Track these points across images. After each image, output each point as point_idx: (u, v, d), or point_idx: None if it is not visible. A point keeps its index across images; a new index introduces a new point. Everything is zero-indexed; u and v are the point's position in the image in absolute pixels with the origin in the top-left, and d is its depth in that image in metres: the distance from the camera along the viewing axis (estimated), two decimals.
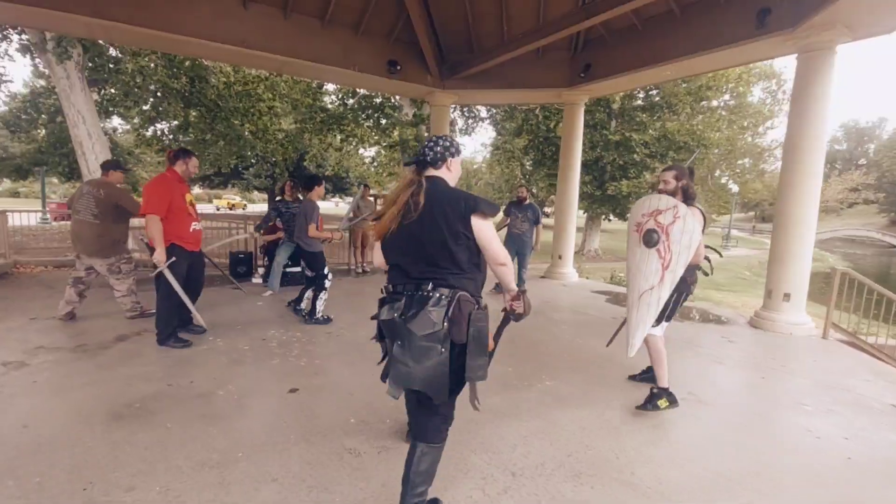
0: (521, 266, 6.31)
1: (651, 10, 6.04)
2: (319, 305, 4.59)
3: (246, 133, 14.65)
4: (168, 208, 3.56)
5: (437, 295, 1.66)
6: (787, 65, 62.37)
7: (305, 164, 19.69)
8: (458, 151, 1.86)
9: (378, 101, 14.43)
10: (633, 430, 2.70)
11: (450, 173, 1.82)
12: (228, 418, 2.63)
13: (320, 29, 6.74)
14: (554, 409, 2.93)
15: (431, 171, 1.78)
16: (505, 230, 6.43)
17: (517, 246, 6.28)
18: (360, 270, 7.86)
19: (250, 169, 24.42)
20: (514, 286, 1.86)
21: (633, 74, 6.84)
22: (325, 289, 4.57)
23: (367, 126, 15.75)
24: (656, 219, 2.74)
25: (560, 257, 8.07)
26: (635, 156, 14.85)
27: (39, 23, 6.30)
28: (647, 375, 3.29)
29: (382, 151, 15.58)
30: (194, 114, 13.82)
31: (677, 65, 6.29)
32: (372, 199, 8.39)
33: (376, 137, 15.35)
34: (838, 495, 2.19)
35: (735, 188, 24.24)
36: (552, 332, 4.75)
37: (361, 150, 19.17)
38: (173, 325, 3.74)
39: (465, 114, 16.82)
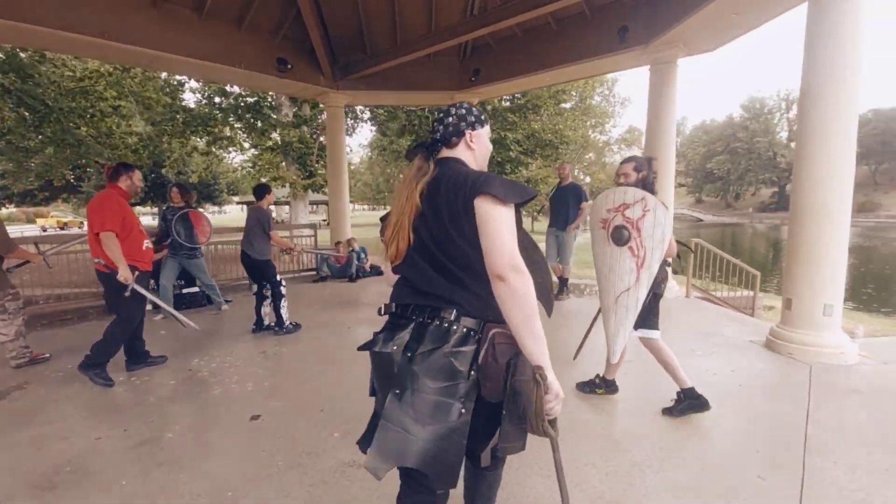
0: None
1: (531, 22, 6.70)
2: (284, 314, 4.48)
3: (86, 137, 12.37)
4: (121, 225, 3.24)
5: (463, 329, 1.20)
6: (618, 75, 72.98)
7: (164, 171, 17.29)
8: (478, 121, 1.38)
9: (251, 100, 13.35)
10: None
11: (470, 151, 1.36)
12: (194, 460, 2.34)
13: (198, 21, 6.08)
14: None
15: (445, 153, 1.35)
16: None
17: None
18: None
19: (91, 181, 20.54)
20: (532, 342, 1.13)
21: (517, 80, 7.54)
22: (284, 295, 4.47)
23: (239, 128, 14.48)
24: (624, 213, 2.52)
25: None
26: (511, 153, 16.14)
27: None
28: (600, 385, 3.05)
29: (263, 155, 14.45)
30: (12, 116, 11.27)
31: (554, 72, 7.11)
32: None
33: (252, 140, 14.17)
34: (743, 411, 2.83)
35: (588, 179, 27.76)
36: None
37: (234, 154, 17.53)
38: (112, 355, 3.33)
39: (348, 114, 16.43)
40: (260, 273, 4.46)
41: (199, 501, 2.00)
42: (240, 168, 16.91)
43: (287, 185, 12.74)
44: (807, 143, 3.76)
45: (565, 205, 5.72)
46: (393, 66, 7.14)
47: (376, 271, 8.12)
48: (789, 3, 4.49)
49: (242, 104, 13.60)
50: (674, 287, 6.20)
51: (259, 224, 4.35)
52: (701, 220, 49.99)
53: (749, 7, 4.68)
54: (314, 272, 8.31)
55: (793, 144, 51.61)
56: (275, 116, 13.52)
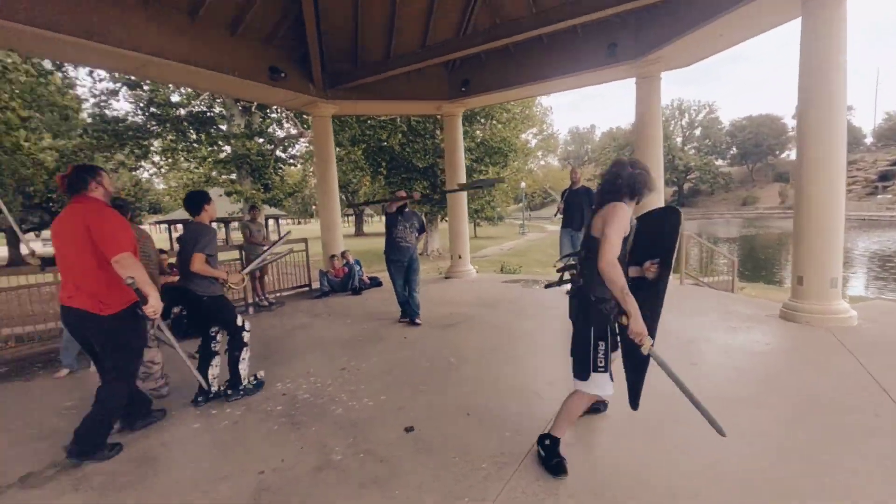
0: (410, 289, 5.30)
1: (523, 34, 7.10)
2: (243, 369, 3.35)
3: None
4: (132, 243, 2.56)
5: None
6: None
7: None
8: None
9: (196, 110, 12.38)
10: None
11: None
12: (392, 476, 2.27)
13: (189, 26, 5.65)
14: None
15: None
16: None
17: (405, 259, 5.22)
18: (264, 303, 6.85)
19: None
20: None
21: (506, 91, 7.91)
22: (246, 344, 3.38)
23: (171, 140, 13.25)
24: None
25: (460, 257, 8.66)
26: (464, 161, 16.57)
27: None
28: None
29: (203, 170, 13.39)
30: None
31: (543, 84, 7.59)
32: (263, 221, 7.37)
33: (201, 152, 13.10)
34: (786, 373, 3.34)
35: (523, 184, 29.21)
36: (542, 322, 5.28)
37: (163, 169, 15.97)
38: (113, 425, 2.68)
39: (297, 122, 15.81)
40: (212, 316, 3.29)
41: None
42: (181, 182, 15.43)
43: (243, 199, 11.96)
44: (806, 148, 4.48)
45: (579, 206, 6.12)
46: (382, 76, 7.16)
47: (375, 282, 7.99)
48: (768, 25, 5.30)
49: (183, 115, 12.57)
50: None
51: (192, 244, 3.12)
52: None
53: (732, 29, 5.44)
54: (305, 287, 7.97)
55: (686, 148, 58.45)
56: (224, 128, 12.66)
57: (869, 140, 50.02)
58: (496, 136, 17.76)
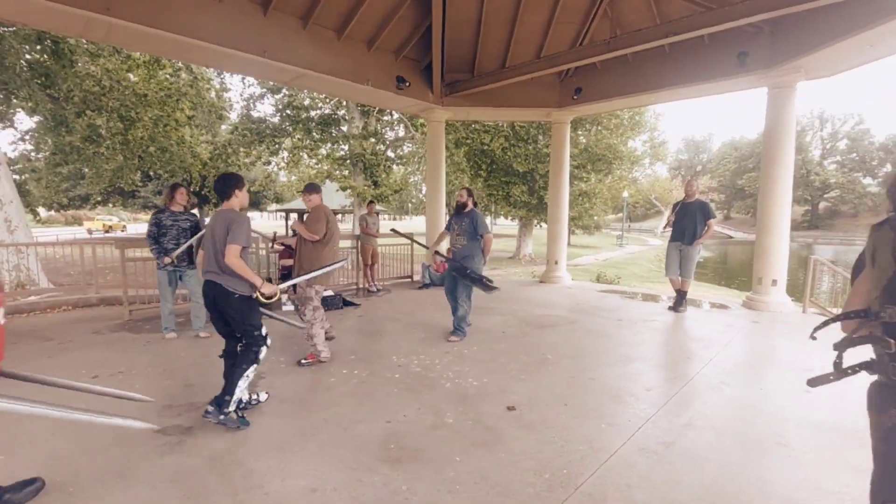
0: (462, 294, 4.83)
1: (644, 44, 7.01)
2: (240, 388, 2.78)
3: (170, 145, 12.98)
4: None
5: None
6: None
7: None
8: None
9: (324, 111, 13.93)
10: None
11: None
12: (496, 441, 2.63)
13: (336, 42, 6.54)
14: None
15: None
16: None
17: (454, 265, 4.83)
18: (372, 289, 7.63)
19: (148, 185, 21.35)
20: None
21: (621, 99, 7.84)
22: (258, 361, 2.89)
23: (299, 139, 15.00)
24: None
25: (556, 262, 8.76)
26: (568, 168, 16.41)
27: (36, 19, 5.10)
28: None
29: (324, 166, 14.98)
30: (99, 122, 11.80)
31: (663, 93, 7.39)
32: (377, 214, 8.20)
33: (326, 151, 14.71)
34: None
35: (626, 193, 27.90)
36: (645, 335, 5.32)
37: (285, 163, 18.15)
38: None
39: (409, 125, 16.95)
40: (238, 318, 2.87)
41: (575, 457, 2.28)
42: (301, 176, 17.42)
43: (356, 194, 13.17)
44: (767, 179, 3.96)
45: (692, 220, 5.93)
46: (495, 85, 7.54)
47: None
48: None
49: (313, 117, 14.19)
50: (787, 302, 6.32)
51: (224, 232, 2.77)
52: (731, 237, 49.45)
53: (886, 39, 4.92)
54: (408, 279, 8.65)
55: (826, 162, 51.10)
56: (345, 128, 14.05)
57: None
58: (601, 142, 17.32)
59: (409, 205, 44.27)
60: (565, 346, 4.63)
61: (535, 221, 19.83)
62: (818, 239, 43.03)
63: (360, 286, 7.70)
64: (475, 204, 4.94)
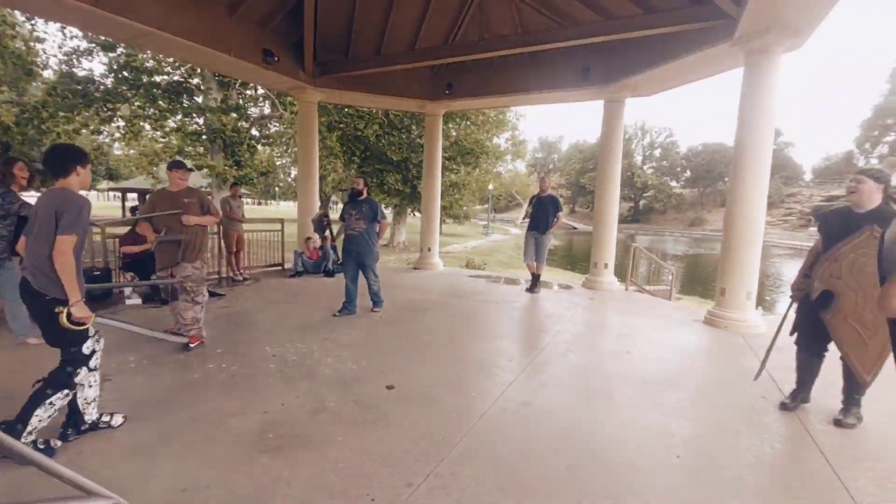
0: (366, 278, 5.34)
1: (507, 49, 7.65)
2: (39, 419, 2.21)
3: None
4: None
5: None
6: None
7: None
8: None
9: (173, 77, 12.15)
10: None
11: None
12: (378, 421, 2.74)
13: (191, 3, 5.81)
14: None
15: None
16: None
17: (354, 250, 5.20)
18: (238, 278, 7.06)
19: None
20: None
21: (488, 99, 8.47)
22: (71, 385, 2.31)
23: (150, 108, 12.91)
24: None
25: (429, 249, 9.14)
26: (441, 159, 17.04)
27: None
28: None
29: (173, 140, 13.14)
30: None
31: (523, 97, 8.19)
32: (241, 197, 7.55)
33: (175, 123, 12.86)
34: (700, 365, 4.07)
35: (491, 186, 30.01)
36: (508, 313, 5.85)
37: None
38: None
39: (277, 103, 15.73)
40: (50, 327, 2.27)
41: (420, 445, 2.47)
42: (142, 151, 14.93)
43: (215, 174, 11.90)
44: (736, 179, 5.27)
45: (545, 212, 6.74)
46: (370, 71, 7.55)
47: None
48: (717, 70, 6.11)
49: (158, 83, 12.29)
50: (615, 282, 7.65)
51: (50, 220, 2.21)
52: (575, 228, 56.66)
53: (692, 69, 6.22)
54: (279, 267, 8.21)
55: (645, 167, 61.45)
56: (199, 100, 12.51)
57: (808, 176, 54.53)
58: (469, 136, 18.33)
59: (277, 189, 41.22)
60: (440, 327, 4.94)
61: (409, 210, 20.24)
62: (638, 230, 51.85)
63: (225, 275, 7.07)
64: (368, 192, 5.38)
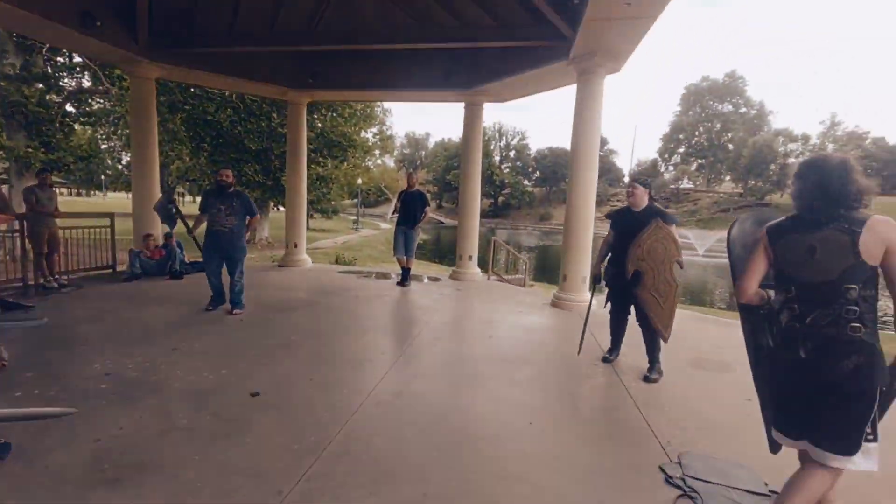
0: (230, 276, 5.03)
1: (372, 45, 7.62)
2: None
3: None
4: None
5: None
6: None
7: None
8: None
9: None
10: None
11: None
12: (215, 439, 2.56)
13: None
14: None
15: None
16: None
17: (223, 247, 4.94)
18: (53, 285, 5.80)
19: None
20: None
21: (353, 92, 8.35)
22: None
23: None
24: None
25: (296, 245, 8.67)
26: (306, 151, 16.16)
27: None
28: None
29: None
30: None
31: (387, 93, 8.27)
32: (52, 187, 6.14)
33: None
34: (548, 341, 4.72)
35: (360, 180, 29.56)
36: (371, 312, 5.82)
37: None
38: None
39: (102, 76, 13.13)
40: None
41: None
42: None
43: (14, 158, 9.52)
44: (573, 180, 6.11)
45: (413, 207, 6.93)
46: (223, 50, 6.88)
47: (198, 266, 7.44)
48: (560, 83, 6.95)
49: None
50: (478, 273, 8.25)
51: None
52: (442, 223, 59.10)
53: (538, 81, 6.98)
54: (109, 270, 6.98)
55: (503, 166, 66.77)
56: None
57: (627, 179, 65.34)
58: (336, 129, 17.77)
59: (104, 177, 34.71)
60: (309, 326, 4.76)
61: (272, 204, 18.86)
62: (498, 225, 56.30)
63: (33, 282, 5.74)
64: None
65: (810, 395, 1.69)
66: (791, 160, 46.08)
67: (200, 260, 7.69)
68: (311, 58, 8.13)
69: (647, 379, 3.62)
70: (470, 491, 2.16)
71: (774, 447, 1.99)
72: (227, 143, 15.41)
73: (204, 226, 5.05)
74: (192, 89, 14.28)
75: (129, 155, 17.84)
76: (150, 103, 7.20)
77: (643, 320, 3.66)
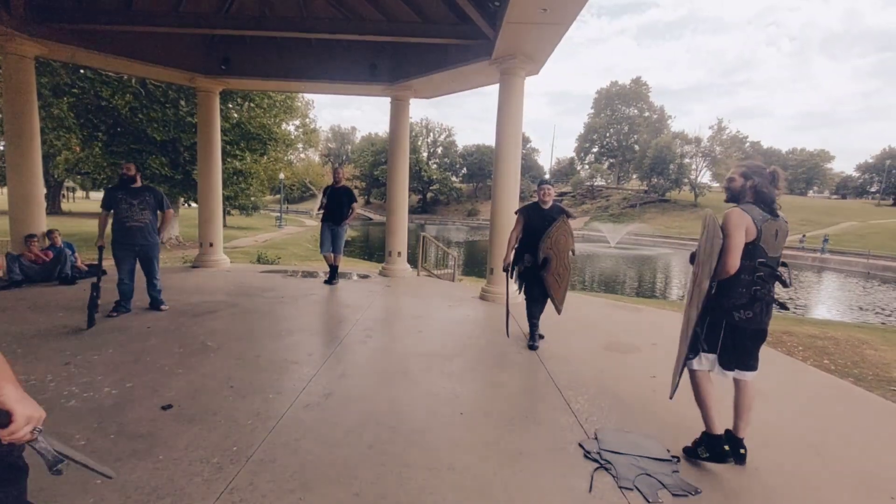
0: (148, 275, 4.89)
1: (289, 32, 7.27)
2: None
3: None
4: None
5: None
6: None
7: None
8: None
9: None
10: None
11: None
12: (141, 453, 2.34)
13: None
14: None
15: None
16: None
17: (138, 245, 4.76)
18: None
19: None
20: None
21: (269, 81, 7.92)
22: None
23: None
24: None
25: (211, 245, 8.07)
26: (220, 142, 15.03)
27: None
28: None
29: None
30: None
31: (307, 84, 7.94)
32: None
33: None
34: (492, 329, 4.89)
35: (282, 175, 28.16)
36: (311, 310, 5.58)
37: None
38: None
39: None
40: None
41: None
42: None
43: None
44: (497, 176, 6.32)
45: (340, 203, 6.75)
46: (118, 28, 6.21)
47: (93, 270, 6.66)
48: (484, 82, 7.13)
49: None
50: (408, 269, 8.26)
51: None
52: (371, 219, 58.20)
53: (462, 79, 7.11)
54: None
55: (430, 162, 67.11)
56: None
57: (547, 176, 68.78)
58: (254, 120, 16.75)
59: None
60: (227, 330, 4.47)
61: (182, 200, 17.36)
62: (427, 221, 56.66)
63: None
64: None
65: (752, 338, 2.38)
66: (686, 160, 51.33)
67: (96, 262, 6.97)
68: (224, 42, 7.61)
69: (532, 347, 4.25)
70: (401, 484, 2.17)
71: (672, 394, 2.54)
72: (126, 132, 13.94)
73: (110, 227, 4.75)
74: (82, 70, 12.70)
75: (2, 143, 15.45)
76: (27, 85, 6.28)
77: (542, 297, 4.26)
